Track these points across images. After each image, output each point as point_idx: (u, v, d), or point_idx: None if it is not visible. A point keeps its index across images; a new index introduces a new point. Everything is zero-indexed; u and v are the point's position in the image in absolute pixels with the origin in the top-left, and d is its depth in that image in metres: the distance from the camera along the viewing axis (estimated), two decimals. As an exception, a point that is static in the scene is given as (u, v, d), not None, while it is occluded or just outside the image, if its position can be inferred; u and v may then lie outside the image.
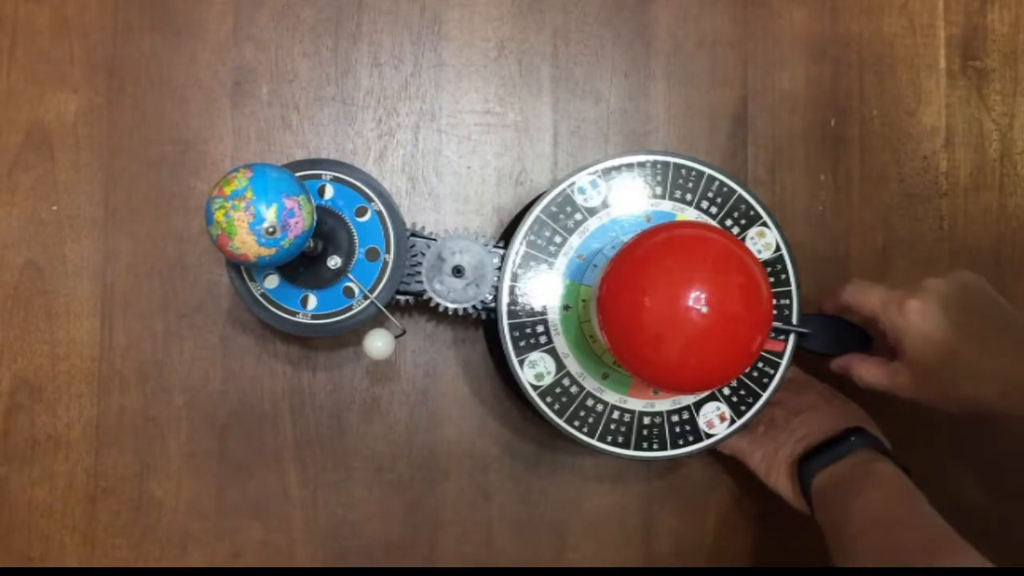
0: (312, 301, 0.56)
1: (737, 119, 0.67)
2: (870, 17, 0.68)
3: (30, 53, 0.62)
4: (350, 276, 0.55)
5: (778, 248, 0.58)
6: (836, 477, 0.54)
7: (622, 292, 0.48)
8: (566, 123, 0.65)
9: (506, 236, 0.61)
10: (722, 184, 0.58)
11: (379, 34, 0.64)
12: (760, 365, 0.58)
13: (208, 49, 0.63)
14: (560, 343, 0.57)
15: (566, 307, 0.57)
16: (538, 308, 0.57)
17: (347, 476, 0.63)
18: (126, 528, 0.61)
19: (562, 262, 0.57)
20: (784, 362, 0.58)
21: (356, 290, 0.56)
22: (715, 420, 0.58)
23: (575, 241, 0.57)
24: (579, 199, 0.57)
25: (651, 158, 0.58)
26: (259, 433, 0.62)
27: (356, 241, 0.56)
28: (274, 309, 0.56)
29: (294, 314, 0.56)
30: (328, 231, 0.55)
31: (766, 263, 0.57)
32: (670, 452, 0.58)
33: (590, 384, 0.57)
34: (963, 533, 0.48)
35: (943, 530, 0.49)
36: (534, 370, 0.56)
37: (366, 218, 0.56)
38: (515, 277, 0.57)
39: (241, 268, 0.55)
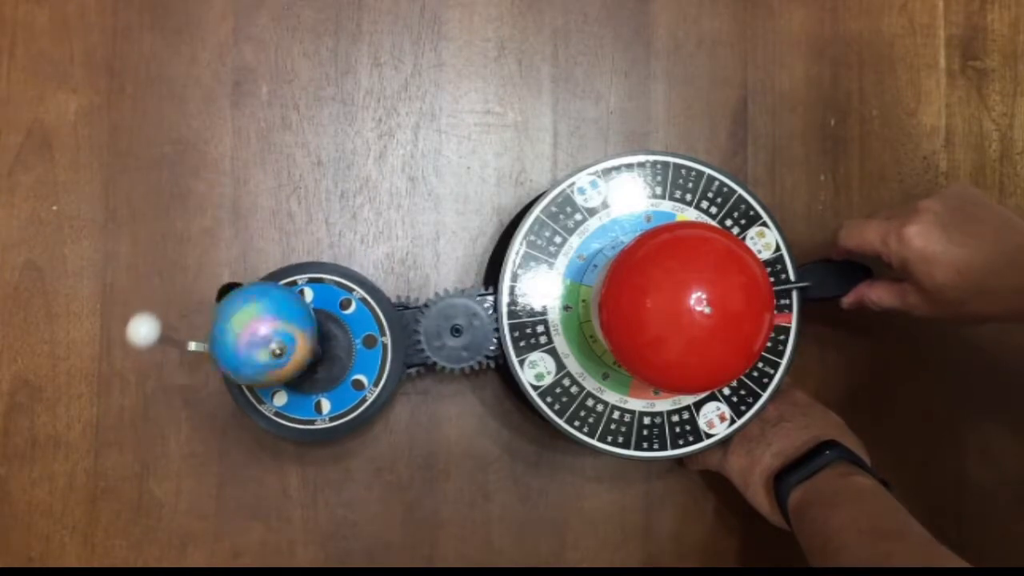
0: (326, 405, 0.56)
1: (737, 119, 0.67)
2: (870, 17, 0.68)
3: (30, 53, 0.62)
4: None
5: (778, 248, 0.58)
6: (813, 492, 0.53)
7: (624, 293, 0.48)
8: (566, 123, 0.65)
9: (506, 236, 0.61)
10: (722, 184, 0.58)
11: (379, 34, 0.64)
12: (760, 365, 0.58)
13: (208, 49, 0.63)
14: (560, 343, 0.57)
15: (566, 307, 0.57)
16: (538, 308, 0.57)
17: (347, 476, 0.63)
18: (126, 528, 0.61)
19: (562, 262, 0.57)
20: (788, 353, 0.58)
21: (365, 382, 0.56)
22: (715, 420, 0.58)
23: (575, 241, 0.57)
24: (579, 199, 0.57)
25: (651, 158, 0.58)
26: (259, 433, 0.62)
27: (350, 334, 0.56)
28: (292, 424, 0.55)
29: (312, 423, 0.56)
30: (322, 333, 0.55)
31: (766, 263, 0.57)
32: (670, 452, 0.58)
33: (590, 384, 0.57)
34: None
35: (930, 542, 0.48)
36: (534, 370, 0.56)
37: (352, 309, 0.56)
38: (515, 277, 0.57)
39: (248, 396, 0.55)
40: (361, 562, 0.62)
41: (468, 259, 0.64)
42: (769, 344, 0.58)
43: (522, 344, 0.56)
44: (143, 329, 0.46)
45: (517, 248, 0.57)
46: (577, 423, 0.57)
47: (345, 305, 0.56)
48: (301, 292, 0.56)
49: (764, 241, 0.58)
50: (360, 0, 0.64)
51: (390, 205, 0.64)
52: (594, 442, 0.57)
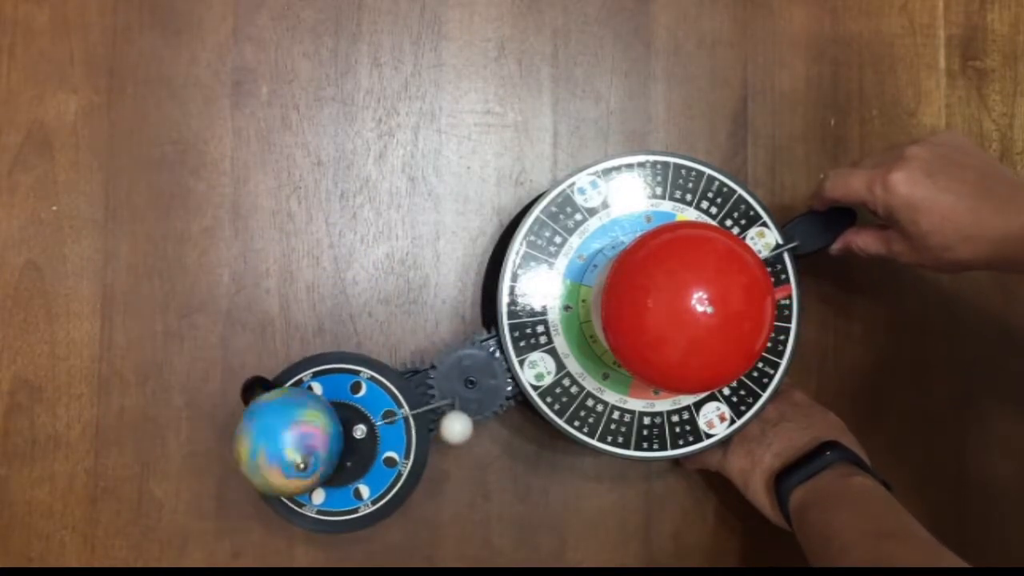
0: (365, 491, 0.56)
1: (737, 119, 0.67)
2: (870, 17, 0.68)
3: (30, 53, 0.62)
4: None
5: (778, 247, 0.58)
6: (814, 493, 0.53)
7: (624, 293, 0.48)
8: (566, 123, 0.65)
9: (506, 237, 0.61)
10: (722, 184, 0.58)
11: (379, 34, 0.64)
12: (760, 365, 0.58)
13: (208, 49, 0.63)
14: (560, 343, 0.57)
15: (566, 307, 0.57)
16: (538, 308, 0.57)
17: (347, 476, 0.63)
18: (126, 528, 0.61)
19: (562, 262, 0.57)
20: (788, 353, 0.58)
21: (397, 458, 0.56)
22: (715, 420, 0.58)
23: (575, 241, 0.57)
24: (579, 199, 0.57)
25: (651, 158, 0.58)
26: (259, 433, 0.62)
27: (369, 416, 0.56)
28: (337, 518, 0.55)
29: (356, 511, 0.55)
30: (341, 423, 0.54)
31: (766, 263, 0.57)
32: (670, 452, 0.58)
33: (590, 384, 0.57)
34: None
35: (932, 542, 0.48)
36: (534, 370, 0.56)
37: (363, 391, 0.56)
38: (515, 277, 0.57)
39: (286, 502, 0.55)
40: (361, 562, 0.62)
41: (468, 259, 0.64)
42: (769, 344, 0.58)
43: (522, 344, 0.56)
44: (457, 426, 0.53)
45: (517, 248, 0.57)
46: (577, 423, 0.57)
47: (356, 389, 0.56)
48: (309, 388, 0.56)
49: (764, 241, 0.58)
50: (360, 0, 0.64)
51: (390, 205, 0.64)
52: (594, 442, 0.57)
